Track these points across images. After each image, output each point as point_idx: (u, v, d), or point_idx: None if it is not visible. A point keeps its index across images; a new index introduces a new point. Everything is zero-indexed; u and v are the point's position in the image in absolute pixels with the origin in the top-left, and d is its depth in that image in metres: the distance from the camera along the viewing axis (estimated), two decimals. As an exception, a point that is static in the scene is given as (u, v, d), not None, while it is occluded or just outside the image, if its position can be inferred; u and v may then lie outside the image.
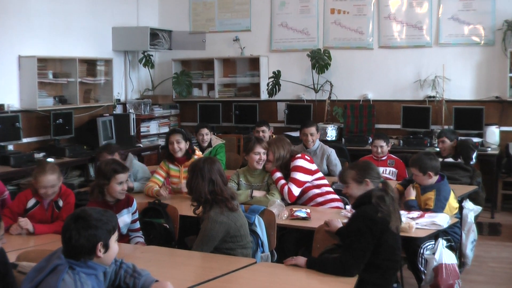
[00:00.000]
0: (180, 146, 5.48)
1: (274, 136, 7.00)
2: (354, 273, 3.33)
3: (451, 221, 4.45)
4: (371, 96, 8.53)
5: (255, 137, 5.34)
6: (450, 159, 6.14)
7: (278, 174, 5.05)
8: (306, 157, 5.15)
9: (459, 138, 6.55)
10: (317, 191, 5.02)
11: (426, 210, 4.58)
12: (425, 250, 4.27)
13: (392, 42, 8.39)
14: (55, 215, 4.39)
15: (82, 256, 2.66)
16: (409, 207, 4.69)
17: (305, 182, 5.01)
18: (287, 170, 5.08)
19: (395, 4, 8.32)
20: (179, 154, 5.50)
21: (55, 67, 7.55)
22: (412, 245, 4.29)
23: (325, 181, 5.13)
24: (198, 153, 5.81)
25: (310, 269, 3.43)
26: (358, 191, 3.69)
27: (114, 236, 2.75)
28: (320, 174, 5.18)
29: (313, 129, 6.30)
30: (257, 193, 4.97)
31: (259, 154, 5.07)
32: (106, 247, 2.70)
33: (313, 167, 5.13)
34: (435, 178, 4.74)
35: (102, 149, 5.70)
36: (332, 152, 6.26)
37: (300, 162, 5.06)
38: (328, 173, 6.20)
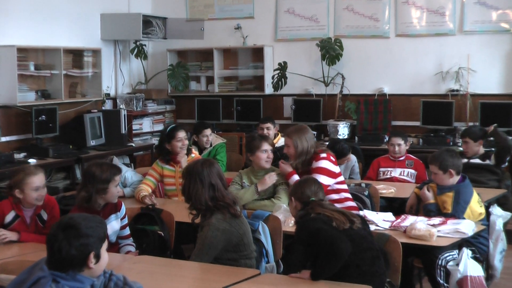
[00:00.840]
0: (186, 143, 5.54)
1: (280, 130, 7.00)
2: (344, 249, 3.40)
3: (477, 228, 4.42)
4: (387, 90, 8.51)
5: (259, 135, 5.34)
6: (476, 160, 6.11)
7: (296, 178, 4.94)
8: (331, 157, 5.08)
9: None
10: (335, 196, 4.95)
11: (445, 214, 4.56)
12: (444, 261, 4.25)
13: (410, 30, 8.36)
14: (39, 229, 4.34)
15: (72, 268, 2.65)
16: (428, 212, 4.67)
17: (327, 186, 4.91)
18: (308, 167, 5.01)
19: (414, -12, 8.32)
20: (184, 153, 5.51)
21: (37, 58, 7.54)
22: (430, 255, 4.26)
23: (344, 186, 5.10)
24: (195, 152, 5.81)
25: (316, 280, 3.42)
26: (291, 208, 4.04)
27: (105, 244, 2.75)
28: (341, 178, 5.13)
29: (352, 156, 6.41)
30: (262, 185, 4.98)
31: (267, 152, 5.06)
32: (98, 257, 2.70)
33: (337, 169, 5.09)
34: (456, 178, 4.71)
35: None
36: (356, 163, 6.30)
37: (325, 164, 4.98)
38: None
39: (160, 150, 5.69)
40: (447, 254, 4.26)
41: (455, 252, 4.28)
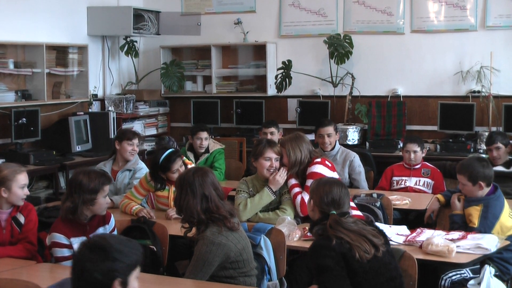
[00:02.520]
0: (182, 170, 5.24)
1: (284, 135, 7.03)
2: None
3: (501, 243, 4.41)
4: (402, 91, 8.51)
5: (266, 140, 5.35)
6: (499, 168, 6.10)
7: (293, 181, 5.06)
8: (327, 162, 5.15)
9: None
10: None
11: (470, 229, 4.55)
12: (448, 281, 4.23)
13: (427, 25, 8.37)
14: (15, 233, 4.40)
15: None
16: (452, 223, 4.69)
17: None
18: (304, 177, 5.07)
19: (431, -21, 8.33)
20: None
21: (17, 55, 7.55)
22: (431, 275, 4.24)
23: None
24: (188, 162, 5.78)
25: None
26: (309, 208, 3.89)
27: (136, 272, 2.72)
28: None
29: (330, 129, 6.38)
30: (275, 185, 5.00)
31: (270, 160, 5.07)
32: (125, 285, 2.68)
33: (334, 175, 5.12)
34: (486, 190, 4.71)
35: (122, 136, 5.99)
36: (356, 158, 6.31)
37: (318, 169, 5.04)
38: (350, 184, 6.21)
39: (153, 178, 5.36)
40: (453, 273, 4.24)
41: (464, 270, 4.27)
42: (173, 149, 5.42)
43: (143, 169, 5.89)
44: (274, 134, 7.06)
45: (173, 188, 5.30)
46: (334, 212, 3.65)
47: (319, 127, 6.42)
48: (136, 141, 6.02)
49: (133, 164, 5.99)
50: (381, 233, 3.72)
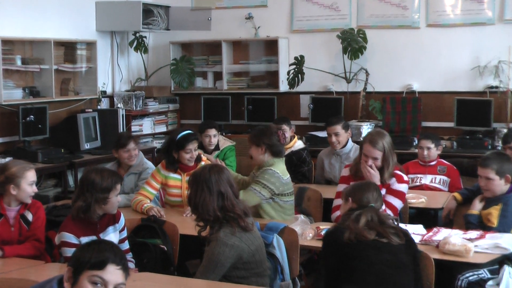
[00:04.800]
0: (195, 155, 5.45)
1: (296, 132, 7.04)
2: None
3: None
4: (417, 87, 8.49)
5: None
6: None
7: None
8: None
9: None
10: None
11: (489, 228, 4.52)
12: (465, 282, 4.20)
13: (443, 19, 8.33)
14: (23, 231, 4.43)
15: None
16: (467, 224, 4.66)
17: (398, 210, 4.99)
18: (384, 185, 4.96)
19: (447, -28, 8.29)
20: (191, 164, 5.46)
21: (24, 51, 7.57)
22: (446, 275, 4.21)
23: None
24: (204, 158, 5.78)
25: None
26: (343, 208, 4.26)
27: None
28: None
29: (337, 128, 6.34)
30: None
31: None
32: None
33: None
34: (507, 187, 4.68)
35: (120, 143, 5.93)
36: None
37: (405, 189, 4.99)
38: None
39: (166, 157, 5.51)
40: (469, 274, 4.21)
41: (482, 271, 4.23)
42: (191, 131, 5.57)
43: (149, 169, 5.89)
44: (286, 131, 7.01)
45: (185, 177, 5.34)
46: (373, 205, 3.98)
47: (326, 125, 6.40)
48: (131, 145, 5.88)
49: (138, 166, 5.95)
50: (404, 234, 3.84)
